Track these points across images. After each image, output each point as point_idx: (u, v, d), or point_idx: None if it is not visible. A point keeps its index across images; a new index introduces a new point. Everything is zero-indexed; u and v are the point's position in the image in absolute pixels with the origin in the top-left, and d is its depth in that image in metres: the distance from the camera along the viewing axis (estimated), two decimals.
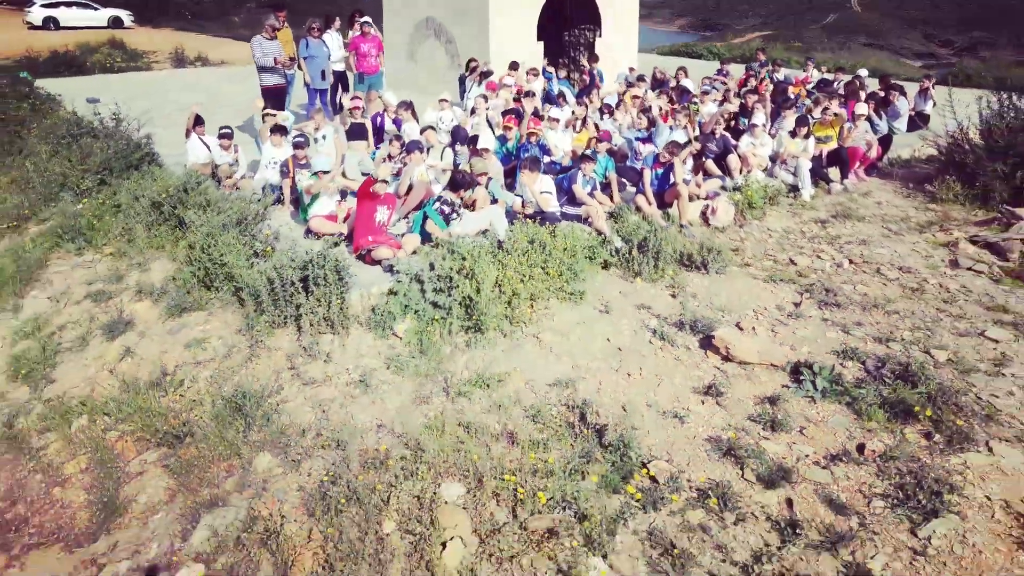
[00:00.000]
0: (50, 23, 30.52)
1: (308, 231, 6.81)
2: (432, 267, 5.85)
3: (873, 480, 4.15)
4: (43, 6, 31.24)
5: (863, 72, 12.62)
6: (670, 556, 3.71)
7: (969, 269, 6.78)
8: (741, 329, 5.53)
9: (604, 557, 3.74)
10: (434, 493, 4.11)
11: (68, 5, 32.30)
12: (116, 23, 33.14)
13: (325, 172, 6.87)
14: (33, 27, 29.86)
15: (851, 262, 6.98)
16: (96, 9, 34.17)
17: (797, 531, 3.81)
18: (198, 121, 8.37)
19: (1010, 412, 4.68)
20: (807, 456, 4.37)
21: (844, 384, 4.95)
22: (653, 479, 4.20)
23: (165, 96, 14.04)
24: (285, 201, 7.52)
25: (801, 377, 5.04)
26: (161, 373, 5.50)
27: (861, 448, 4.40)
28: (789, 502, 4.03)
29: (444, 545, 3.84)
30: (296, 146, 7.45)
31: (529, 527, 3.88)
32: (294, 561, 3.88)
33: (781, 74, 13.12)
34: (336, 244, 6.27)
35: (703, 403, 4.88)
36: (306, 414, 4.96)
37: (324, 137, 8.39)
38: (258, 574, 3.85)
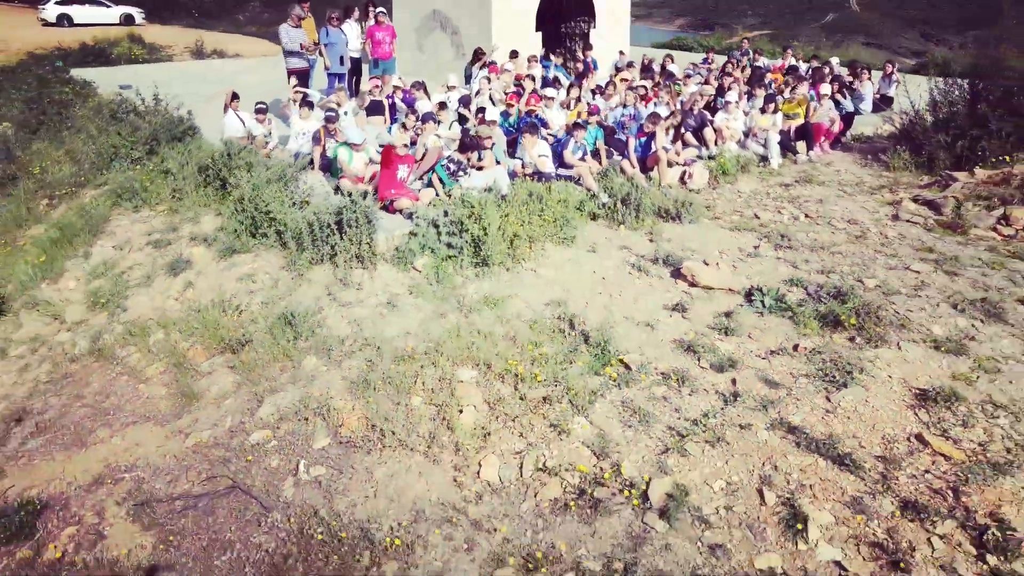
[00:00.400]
0: (64, 20, 31.04)
1: (337, 188, 7.80)
2: (446, 214, 6.86)
3: (801, 366, 5.16)
4: (57, 3, 31.54)
5: (835, 60, 13.60)
6: (637, 415, 4.72)
7: (907, 221, 7.77)
8: (706, 264, 6.52)
9: (586, 417, 4.75)
10: (452, 376, 5.12)
11: (81, 3, 32.57)
12: (128, 20, 33.66)
13: (357, 144, 7.84)
14: (47, 24, 30.39)
15: (807, 216, 7.98)
16: (108, 7, 34.73)
17: (737, 398, 4.82)
18: (234, 97, 9.36)
19: (920, 322, 5.68)
20: (751, 351, 5.38)
21: (788, 303, 5.95)
22: (626, 366, 5.21)
23: (187, 84, 14.98)
24: (316, 165, 8.50)
25: (753, 298, 6.04)
26: (220, 299, 6.50)
27: (796, 347, 5.40)
28: (733, 381, 5.03)
29: (461, 411, 4.85)
30: (328, 119, 8.45)
31: (528, 397, 4.89)
32: (342, 424, 4.89)
33: (760, 62, 14.08)
34: (364, 196, 7.26)
35: (671, 316, 5.88)
36: (344, 328, 5.96)
37: (346, 113, 9.37)
38: (315, 434, 4.86)
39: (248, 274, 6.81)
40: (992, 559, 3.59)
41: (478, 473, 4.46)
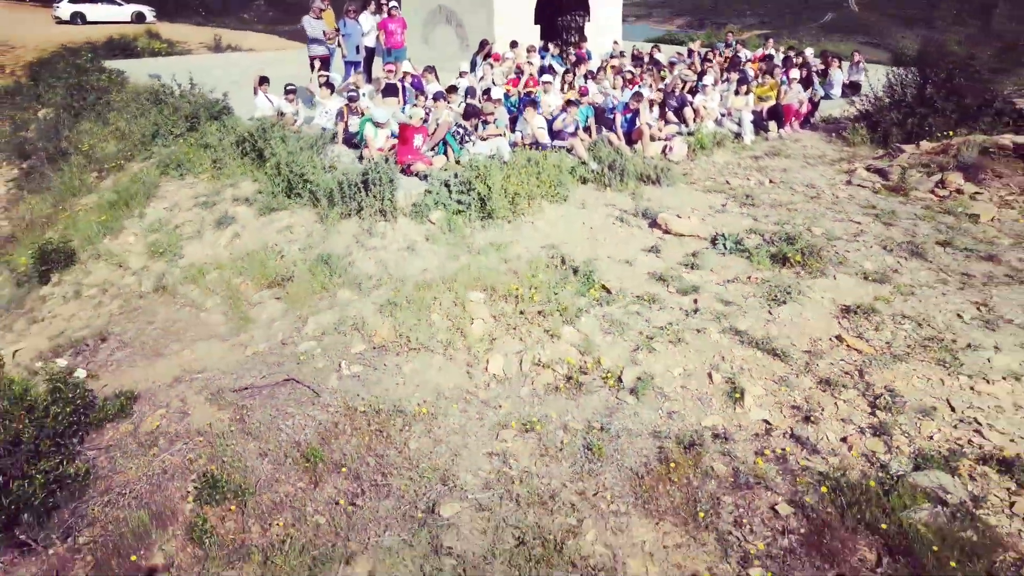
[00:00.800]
0: (77, 18, 31.41)
1: (360, 157, 8.83)
2: (456, 176, 7.89)
3: (752, 291, 6.20)
4: (71, 2, 31.78)
5: (809, 51, 14.60)
6: (615, 325, 5.76)
7: (858, 186, 8.81)
8: (679, 216, 7.56)
9: (573, 326, 5.79)
10: (464, 298, 6.16)
11: (94, 1, 32.90)
12: (139, 18, 34.04)
13: (382, 122, 8.85)
14: (61, 21, 30.81)
15: (771, 182, 9.01)
16: (120, 5, 35.28)
17: (697, 312, 5.87)
18: (263, 81, 10.38)
19: (855, 260, 6.71)
20: (712, 281, 6.42)
21: (746, 246, 6.98)
22: (607, 290, 6.25)
23: (211, 74, 15.96)
24: (339, 138, 9.53)
25: (716, 242, 7.08)
26: (263, 247, 7.53)
27: (749, 277, 6.44)
28: (695, 300, 6.07)
29: (472, 322, 5.89)
30: (350, 99, 9.48)
31: (526, 312, 5.94)
32: (375, 334, 5.93)
33: (743, 53, 15.08)
34: (386, 161, 8.27)
35: (646, 256, 6.92)
36: (371, 267, 7.00)
37: (364, 95, 10.39)
38: (352, 342, 5.90)
39: (286, 227, 7.85)
40: (881, 414, 4.64)
41: (486, 368, 5.51)
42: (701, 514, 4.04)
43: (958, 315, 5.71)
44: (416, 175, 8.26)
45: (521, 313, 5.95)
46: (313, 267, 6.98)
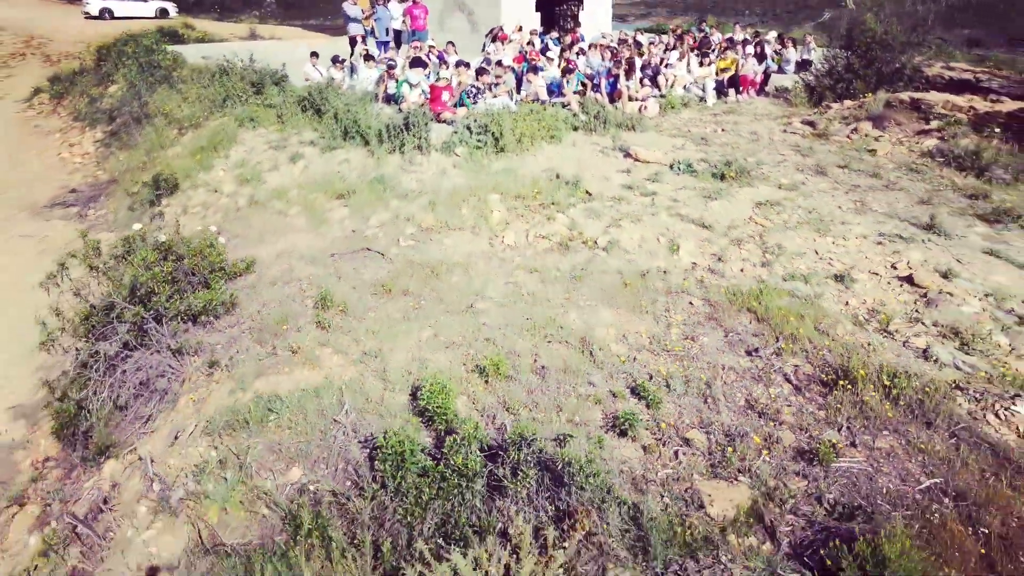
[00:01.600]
0: (106, 13, 32.36)
1: (400, 110, 10.94)
2: (475, 121, 10.02)
3: (694, 194, 8.32)
4: None
5: (772, 35, 16.69)
6: (594, 213, 7.90)
7: (792, 133, 10.92)
8: (646, 149, 9.68)
9: (565, 214, 7.93)
10: (485, 198, 8.29)
11: None
12: (163, 14, 35.08)
13: (413, 83, 10.97)
14: (89, 16, 31.68)
15: (723, 130, 11.12)
16: (145, 1, 37.06)
17: (653, 205, 8.00)
18: (314, 55, 12.50)
19: (774, 177, 8.83)
20: (667, 189, 8.55)
21: (695, 168, 9.11)
22: (590, 194, 8.39)
23: (254, 55, 18.05)
24: (379, 98, 11.64)
25: (673, 166, 9.21)
26: (328, 173, 9.65)
27: (694, 188, 8.57)
28: (652, 199, 8.20)
29: (492, 212, 8.04)
30: (389, 67, 11.61)
31: (531, 206, 8.08)
32: (421, 222, 8.07)
33: (714, 36, 17.16)
34: (421, 107, 10.37)
35: (619, 175, 9.05)
36: (414, 185, 9.12)
37: (399, 65, 12.49)
38: (404, 228, 8.04)
39: (344, 160, 9.97)
40: (769, 256, 6.78)
41: (502, 240, 7.65)
42: (644, 304, 6.19)
43: (838, 207, 7.85)
44: (444, 122, 10.39)
45: (527, 207, 8.09)
46: (370, 185, 9.11)
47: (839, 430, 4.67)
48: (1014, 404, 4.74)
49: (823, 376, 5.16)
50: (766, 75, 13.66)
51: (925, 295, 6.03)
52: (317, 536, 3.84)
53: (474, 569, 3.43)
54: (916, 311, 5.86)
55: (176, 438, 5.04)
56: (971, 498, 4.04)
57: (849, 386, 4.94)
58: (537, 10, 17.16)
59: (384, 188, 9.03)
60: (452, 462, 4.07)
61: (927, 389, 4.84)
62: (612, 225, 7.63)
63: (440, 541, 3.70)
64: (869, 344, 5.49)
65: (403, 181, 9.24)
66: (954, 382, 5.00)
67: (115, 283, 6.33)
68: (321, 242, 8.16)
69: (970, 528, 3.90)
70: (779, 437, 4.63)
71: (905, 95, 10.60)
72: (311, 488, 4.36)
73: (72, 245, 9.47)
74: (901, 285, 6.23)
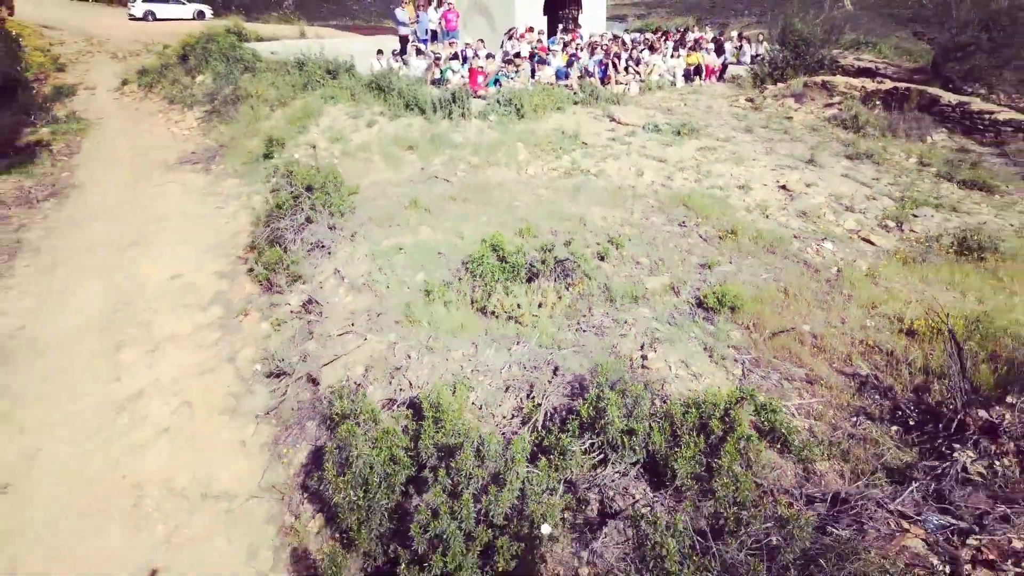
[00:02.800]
0: (148, 15, 33.91)
1: (447, 90, 14.31)
2: (503, 96, 13.41)
3: (657, 144, 11.71)
4: (144, 1, 34.37)
5: (734, 33, 20.01)
6: (590, 154, 11.31)
7: (736, 108, 14.29)
8: (625, 116, 13.05)
9: (568, 155, 11.35)
10: (515, 146, 11.70)
11: (163, 1, 35.61)
12: (200, 15, 36.49)
13: (455, 70, 14.34)
14: (134, 18, 33.39)
15: (686, 105, 14.51)
16: (184, 4, 39.07)
17: (628, 148, 11.42)
18: (379, 52, 15.86)
19: (715, 134, 12.22)
20: (640, 142, 11.96)
21: (660, 129, 12.50)
22: (585, 144, 11.80)
23: (315, 50, 21.38)
24: (428, 81, 15.02)
25: (645, 127, 12.60)
26: (397, 134, 13.03)
27: (658, 140, 11.96)
28: (628, 147, 11.60)
29: (519, 154, 11.45)
30: (436, 59, 14.98)
31: (544, 150, 11.50)
32: (471, 162, 11.47)
33: (689, 35, 20.49)
34: (463, 87, 13.72)
35: (607, 132, 12.44)
36: (460, 140, 12.51)
37: (443, 57, 15.85)
38: (458, 166, 11.44)
39: (407, 124, 13.36)
40: (702, 175, 10.19)
41: (527, 171, 11.06)
42: (619, 203, 9.61)
43: (753, 151, 11.25)
44: (480, 97, 13.78)
45: (542, 151, 11.50)
46: (429, 140, 12.51)
47: (725, 258, 8.09)
48: (822, 244, 8.17)
49: (719, 234, 8.58)
50: (724, 65, 17.02)
51: (791, 196, 9.44)
52: (440, 293, 7.26)
53: (525, 296, 6.86)
54: (784, 204, 9.28)
55: (337, 271, 8.45)
56: (787, 282, 7.46)
57: (734, 237, 8.36)
58: (544, 13, 20.46)
59: (440, 142, 12.42)
60: (509, 261, 7.48)
61: (777, 238, 8.26)
62: (600, 161, 11.04)
63: (504, 293, 7.11)
64: (753, 220, 8.90)
65: (452, 137, 12.63)
66: (794, 235, 8.43)
67: (296, 187, 9.73)
68: (400, 176, 11.57)
69: (783, 292, 7.32)
70: (689, 259, 8.05)
71: (818, 79, 13.98)
72: (434, 280, 7.77)
73: (212, 186, 12.93)
74: (779, 191, 9.64)
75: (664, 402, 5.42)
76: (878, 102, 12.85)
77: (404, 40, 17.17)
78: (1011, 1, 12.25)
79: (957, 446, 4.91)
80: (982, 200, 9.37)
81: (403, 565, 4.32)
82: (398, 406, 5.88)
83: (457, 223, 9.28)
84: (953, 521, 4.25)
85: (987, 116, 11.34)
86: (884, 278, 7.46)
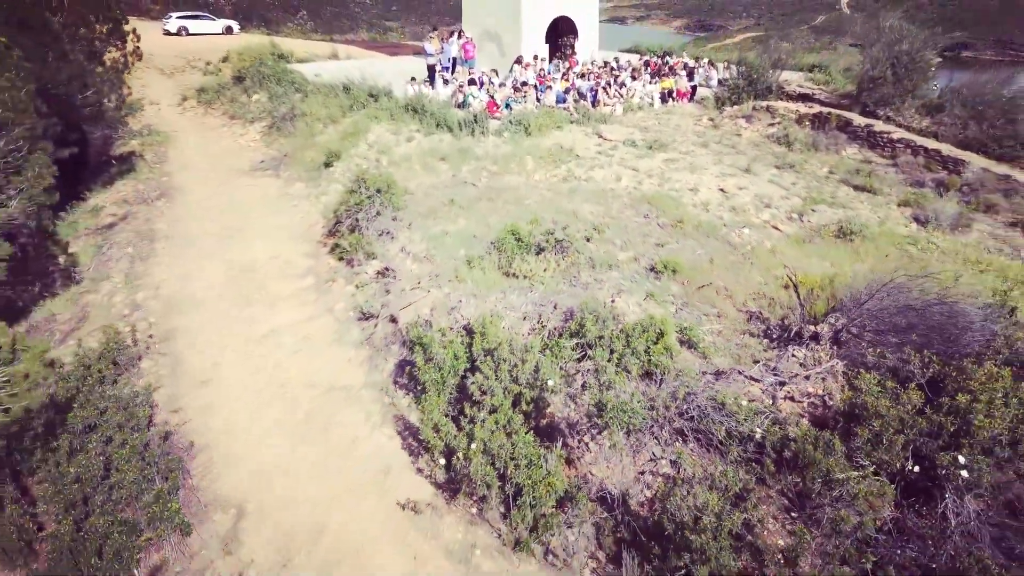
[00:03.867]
0: (182, 31, 35.79)
1: (470, 112, 17.45)
2: (514, 117, 16.57)
3: (633, 156, 14.86)
4: (178, 17, 37.40)
5: (705, 60, 23.10)
6: (582, 164, 14.46)
7: (699, 127, 17.42)
8: (610, 132, 16.19)
9: (565, 165, 14.51)
10: (524, 158, 14.86)
11: (195, 17, 38.59)
12: (228, 31, 39.12)
13: (477, 96, 17.48)
14: (168, 33, 34.84)
15: (659, 124, 17.65)
16: (214, 20, 40.07)
17: (611, 160, 14.57)
18: (413, 79, 19.01)
19: (678, 148, 15.36)
20: (621, 155, 15.10)
21: (637, 144, 15.64)
22: (579, 156, 14.96)
23: (352, 73, 24.50)
24: (455, 104, 18.16)
25: (625, 143, 15.75)
26: (430, 147, 16.16)
27: (634, 153, 15.11)
28: (610, 159, 14.75)
29: (528, 164, 14.61)
30: (460, 86, 18.13)
31: (547, 161, 14.67)
32: (491, 171, 14.64)
33: (667, 60, 23.60)
34: (483, 110, 16.85)
35: (595, 146, 15.59)
36: (481, 152, 15.65)
37: (466, 83, 18.98)
38: (482, 173, 14.60)
39: (439, 140, 16.51)
40: (664, 181, 13.35)
41: (534, 177, 14.21)
42: (602, 201, 12.76)
43: (706, 162, 14.39)
44: (495, 118, 16.93)
45: (545, 161, 14.65)
46: (457, 152, 15.66)
47: (673, 240, 11.23)
48: (743, 230, 11.32)
49: (671, 223, 11.72)
50: (693, 89, 20.15)
51: (727, 196, 12.59)
52: (478, 263, 10.39)
53: (535, 263, 10.02)
54: (721, 202, 12.43)
55: (403, 249, 11.59)
56: (714, 255, 10.61)
57: (681, 225, 11.51)
58: (546, 41, 23.55)
59: (465, 154, 15.57)
60: (523, 241, 10.60)
61: (712, 226, 11.41)
62: (589, 170, 14.18)
63: (521, 261, 10.24)
64: (697, 214, 12.05)
65: (475, 150, 15.78)
66: (724, 224, 11.58)
67: (369, 189, 12.87)
68: (436, 181, 14.71)
69: (709, 262, 10.47)
70: (648, 240, 11.20)
71: (764, 103, 17.10)
72: (472, 253, 10.88)
73: (283, 189, 16.06)
74: (719, 193, 12.78)
75: (622, 324, 8.57)
76: (807, 123, 15.97)
77: (431, 68, 20.30)
78: (911, 44, 15.33)
79: (794, 346, 8.07)
80: (866, 199, 12.52)
81: (466, 406, 7.48)
82: (455, 330, 9.03)
83: (484, 215, 12.42)
84: (777, 377, 7.41)
85: (885, 135, 14.46)
86: (781, 253, 10.61)
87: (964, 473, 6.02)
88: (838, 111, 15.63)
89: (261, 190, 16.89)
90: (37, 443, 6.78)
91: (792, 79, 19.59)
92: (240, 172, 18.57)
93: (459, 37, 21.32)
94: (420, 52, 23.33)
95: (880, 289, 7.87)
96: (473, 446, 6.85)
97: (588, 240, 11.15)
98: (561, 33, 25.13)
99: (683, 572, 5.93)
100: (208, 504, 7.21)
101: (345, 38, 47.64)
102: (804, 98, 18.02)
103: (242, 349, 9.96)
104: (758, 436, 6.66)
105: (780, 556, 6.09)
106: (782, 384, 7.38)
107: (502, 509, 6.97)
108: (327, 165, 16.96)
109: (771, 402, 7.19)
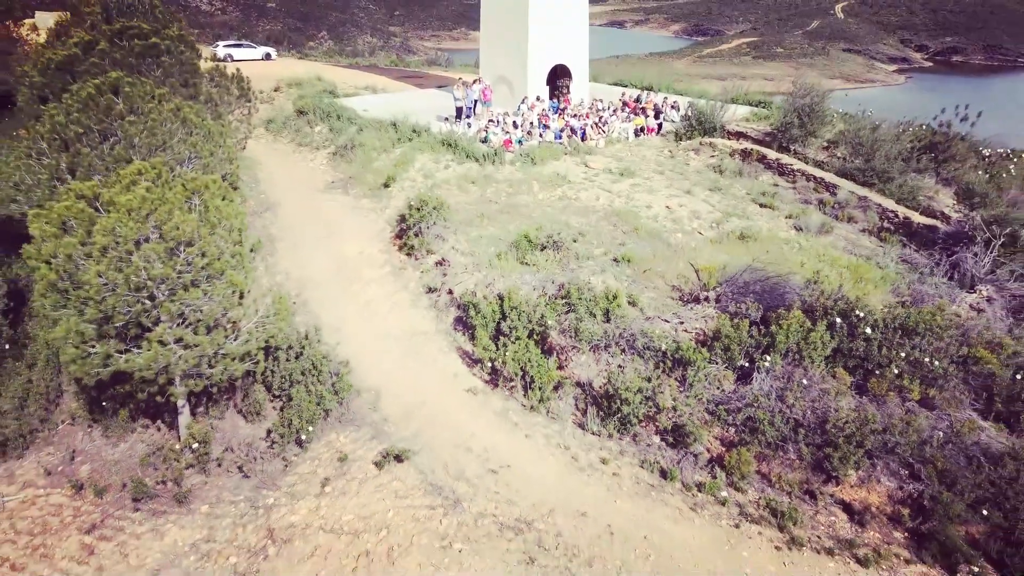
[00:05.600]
0: (228, 58, 38.52)
1: (490, 146, 22.57)
2: (523, 151, 21.73)
3: (612, 182, 20.01)
4: (225, 46, 41.85)
5: (673, 98, 28.14)
6: (573, 186, 19.62)
7: (661, 157, 22.53)
8: (594, 162, 21.30)
9: (561, 188, 19.68)
10: (530, 183, 20.02)
11: (238, 46, 42.97)
12: (267, 57, 42.59)
13: (497, 133, 22.62)
14: (216, 59, 36.26)
15: (631, 154, 22.75)
16: (255, 48, 43.98)
17: (595, 183, 19.74)
18: (444, 119, 24.15)
19: (643, 174, 20.49)
20: (602, 180, 20.24)
21: (612, 172, 20.75)
22: (570, 181, 20.12)
23: (390, 108, 29.58)
24: (480, 140, 23.28)
25: (604, 170, 20.88)
26: (465, 174, 21.29)
27: (610, 179, 20.24)
28: (593, 182, 19.90)
29: (534, 187, 19.80)
30: (484, 127, 23.28)
31: (548, 184, 19.84)
32: (508, 191, 19.81)
33: (641, 96, 28.63)
34: (500, 146, 21.94)
35: (582, 173, 20.72)
36: (501, 178, 20.79)
37: (487, 123, 24.10)
38: (502, 193, 19.76)
39: (469, 167, 21.64)
40: (628, 200, 18.50)
41: (538, 197, 19.37)
42: (586, 214, 17.90)
43: (660, 186, 19.51)
44: (510, 151, 22.09)
45: (547, 184, 19.79)
46: (483, 177, 20.81)
47: (631, 241, 16.37)
48: (677, 235, 16.47)
49: (631, 230, 16.84)
50: (659, 125, 25.28)
51: (671, 210, 17.71)
52: (504, 256, 15.53)
53: (540, 256, 15.20)
54: (666, 215, 17.55)
55: (454, 247, 16.72)
56: (656, 251, 15.76)
57: (637, 231, 16.64)
58: (547, 83, 28.66)
59: (489, 179, 20.71)
60: (533, 242, 15.72)
61: (658, 231, 16.55)
62: (578, 191, 19.32)
63: (531, 255, 15.40)
64: (649, 223, 17.18)
65: (496, 176, 20.91)
66: (665, 230, 16.73)
67: (427, 206, 17.99)
68: (469, 199, 19.84)
69: (652, 255, 15.62)
70: (614, 241, 16.34)
71: (708, 140, 22.20)
72: (500, 250, 16.02)
73: (354, 203, 21.23)
74: (665, 209, 17.91)
75: (594, 293, 13.69)
76: (737, 156, 21.03)
77: (459, 110, 25.43)
78: (811, 98, 20.41)
79: (692, 304, 13.20)
80: (765, 214, 17.63)
81: (501, 338, 12.67)
82: (490, 298, 14.17)
83: (505, 224, 17.56)
84: (679, 320, 12.57)
85: (789, 166, 19.55)
86: (700, 250, 15.75)
87: (767, 363, 11.17)
88: (760, 147, 20.72)
89: (338, 204, 22.05)
90: (260, 355, 11.96)
91: (740, 113, 24.66)
92: (317, 190, 23.75)
93: (479, 83, 26.43)
94: (443, 85, 28.62)
95: (744, 271, 13.03)
96: (507, 354, 12.04)
97: (575, 241, 16.29)
98: (559, 76, 30.25)
99: (618, 415, 11.11)
100: (359, 389, 12.41)
101: (369, 63, 51.81)
102: (740, 135, 23.09)
103: (355, 310, 15.15)
104: (663, 348, 11.81)
105: (671, 409, 11.26)
106: (681, 323, 12.53)
107: (523, 391, 12.16)
108: (385, 186, 22.13)
109: (674, 332, 12.34)
